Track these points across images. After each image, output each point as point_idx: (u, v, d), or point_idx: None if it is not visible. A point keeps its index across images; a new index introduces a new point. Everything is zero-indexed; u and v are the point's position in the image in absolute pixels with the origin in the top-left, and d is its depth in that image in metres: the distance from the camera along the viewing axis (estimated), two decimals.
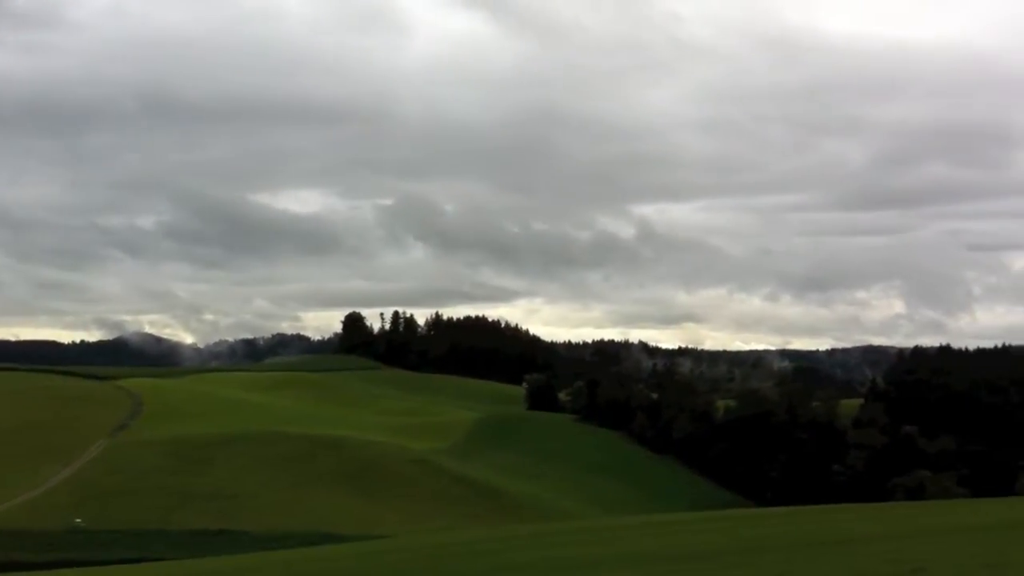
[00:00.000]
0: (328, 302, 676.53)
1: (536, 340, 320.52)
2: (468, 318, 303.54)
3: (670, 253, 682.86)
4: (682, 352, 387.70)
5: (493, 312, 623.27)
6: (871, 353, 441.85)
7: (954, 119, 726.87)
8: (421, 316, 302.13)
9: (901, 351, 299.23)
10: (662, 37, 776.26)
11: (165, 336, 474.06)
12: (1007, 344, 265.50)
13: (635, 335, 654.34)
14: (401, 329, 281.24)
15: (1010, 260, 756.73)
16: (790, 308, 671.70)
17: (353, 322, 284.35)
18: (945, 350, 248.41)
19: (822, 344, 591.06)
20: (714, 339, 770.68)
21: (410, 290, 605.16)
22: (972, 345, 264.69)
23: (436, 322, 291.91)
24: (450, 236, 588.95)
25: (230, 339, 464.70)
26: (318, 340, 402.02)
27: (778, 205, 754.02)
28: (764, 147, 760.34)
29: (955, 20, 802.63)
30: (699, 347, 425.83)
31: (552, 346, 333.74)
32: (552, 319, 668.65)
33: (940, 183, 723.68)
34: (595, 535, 44.43)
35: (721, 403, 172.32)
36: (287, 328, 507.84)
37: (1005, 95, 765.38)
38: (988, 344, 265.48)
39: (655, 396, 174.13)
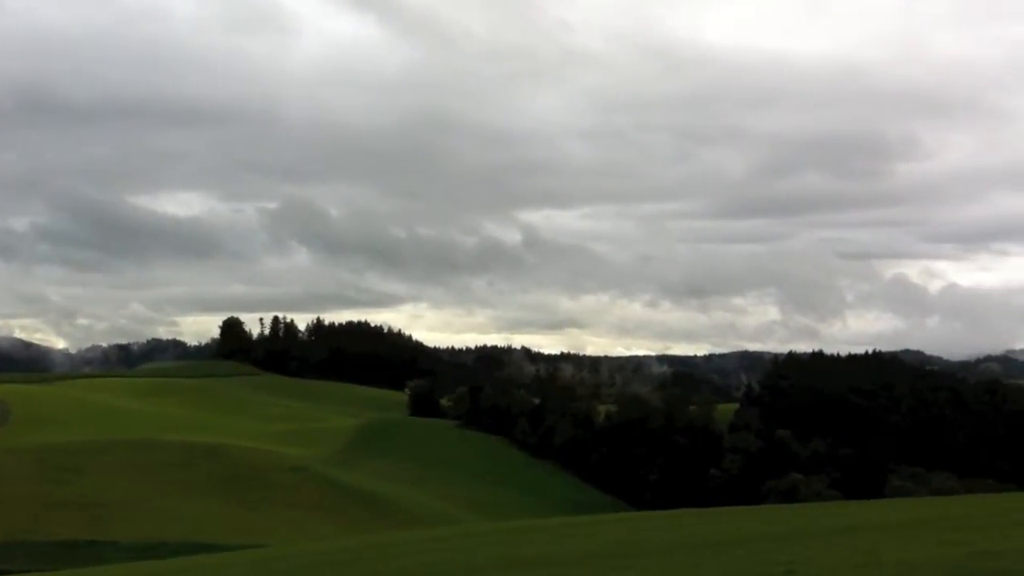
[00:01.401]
0: (207, 307, 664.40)
1: (419, 346, 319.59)
2: (350, 323, 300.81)
3: (554, 259, 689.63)
4: (564, 358, 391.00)
5: (377, 317, 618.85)
6: (747, 358, 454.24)
7: (829, 130, 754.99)
8: (303, 321, 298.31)
9: (776, 356, 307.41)
10: (551, 45, 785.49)
11: (35, 341, 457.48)
12: (877, 350, 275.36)
13: (518, 341, 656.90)
14: (281, 335, 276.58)
15: (880, 268, 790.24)
16: (670, 314, 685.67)
17: (231, 327, 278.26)
18: (818, 356, 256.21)
19: (700, 349, 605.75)
20: (596, 344, 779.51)
21: (292, 295, 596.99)
22: (844, 351, 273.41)
23: (317, 327, 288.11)
24: (335, 240, 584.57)
25: (104, 344, 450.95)
26: (195, 346, 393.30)
27: (660, 212, 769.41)
28: (647, 155, 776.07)
29: (833, 34, 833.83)
30: (581, 353, 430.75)
31: (435, 352, 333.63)
32: (436, 325, 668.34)
33: (815, 192, 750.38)
34: (476, 540, 44.05)
35: (602, 408, 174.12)
36: (163, 333, 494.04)
37: (878, 108, 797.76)
38: (859, 350, 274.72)
39: (537, 402, 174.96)
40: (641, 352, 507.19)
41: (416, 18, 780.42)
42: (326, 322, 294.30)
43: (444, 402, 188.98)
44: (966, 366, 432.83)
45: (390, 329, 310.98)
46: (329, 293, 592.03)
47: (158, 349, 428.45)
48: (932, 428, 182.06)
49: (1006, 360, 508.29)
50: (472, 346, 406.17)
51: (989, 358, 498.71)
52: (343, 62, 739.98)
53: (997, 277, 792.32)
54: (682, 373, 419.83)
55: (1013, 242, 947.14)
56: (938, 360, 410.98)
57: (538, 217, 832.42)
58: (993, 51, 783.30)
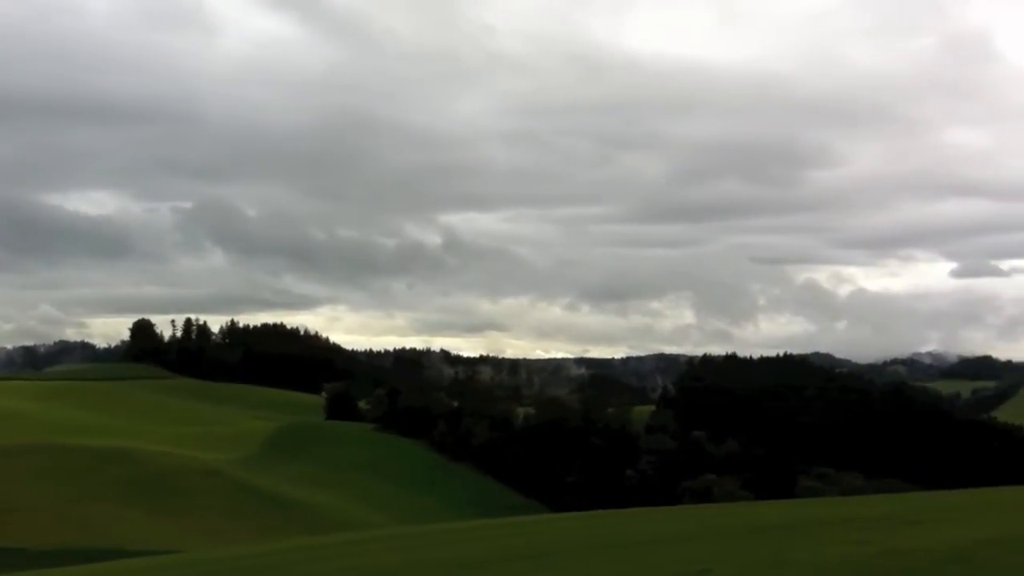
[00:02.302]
0: (118, 308, 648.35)
1: (336, 348, 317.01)
2: (265, 325, 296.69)
3: (475, 262, 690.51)
4: (483, 360, 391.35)
5: (294, 320, 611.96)
6: (663, 361, 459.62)
7: (745, 138, 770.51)
8: (217, 323, 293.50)
9: (691, 359, 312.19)
10: (473, 48, 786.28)
11: None
12: (788, 353, 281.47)
13: (438, 343, 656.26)
14: (194, 336, 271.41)
15: (792, 273, 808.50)
16: (589, 317, 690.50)
17: (142, 329, 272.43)
18: (731, 358, 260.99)
19: (618, 352, 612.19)
20: (515, 347, 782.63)
21: (206, 297, 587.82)
22: (756, 353, 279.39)
23: (231, 329, 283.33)
24: (252, 241, 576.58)
25: (8, 346, 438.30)
26: (104, 348, 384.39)
27: (580, 216, 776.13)
28: (568, 159, 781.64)
29: (749, 44, 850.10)
30: (500, 355, 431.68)
31: (353, 354, 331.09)
32: (355, 327, 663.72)
33: (730, 198, 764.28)
34: (392, 543, 43.71)
35: (520, 410, 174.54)
36: (72, 335, 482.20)
37: (792, 117, 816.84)
38: (771, 352, 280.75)
39: (455, 404, 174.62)
40: (560, 355, 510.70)
41: (339, 18, 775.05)
42: (240, 324, 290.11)
43: (361, 405, 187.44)
44: (873, 368, 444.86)
45: (307, 331, 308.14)
46: (245, 295, 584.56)
47: (66, 351, 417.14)
48: (841, 429, 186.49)
49: (912, 363, 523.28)
50: (391, 349, 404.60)
51: (896, 361, 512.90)
52: (264, 61, 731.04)
53: (904, 282, 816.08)
54: (600, 375, 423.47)
55: (919, 248, 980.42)
56: (847, 363, 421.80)
57: (459, 219, 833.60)
58: (902, 63, 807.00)
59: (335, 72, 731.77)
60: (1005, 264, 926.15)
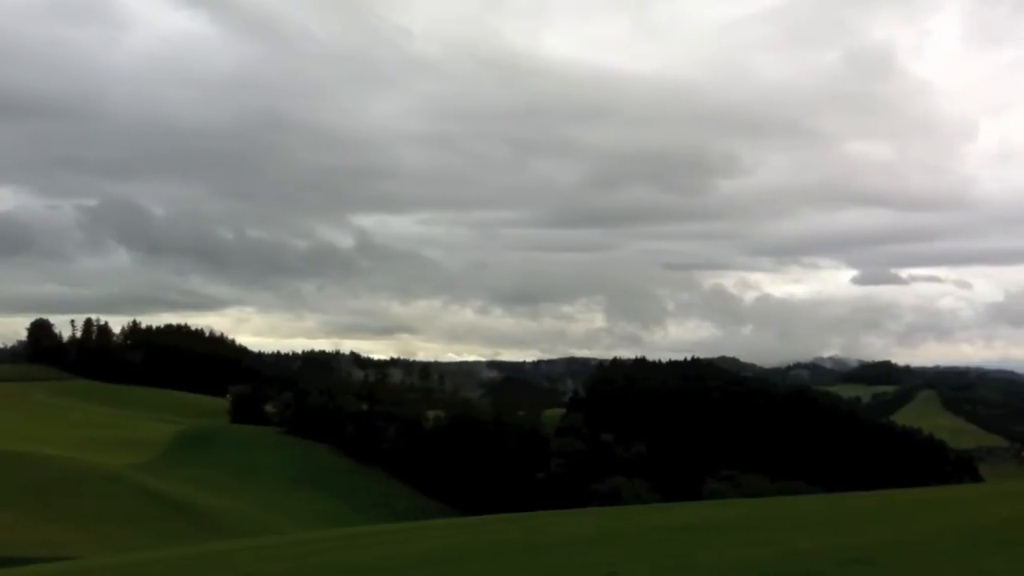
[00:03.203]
0: (16, 307, 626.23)
1: (243, 350, 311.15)
2: (169, 326, 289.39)
3: (387, 264, 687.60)
4: (394, 363, 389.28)
5: (200, 321, 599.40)
6: (574, 364, 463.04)
7: (656, 146, 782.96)
8: (119, 324, 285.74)
9: (601, 362, 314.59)
10: (390, 50, 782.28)
11: None
12: (695, 356, 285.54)
13: (348, 345, 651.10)
14: (94, 337, 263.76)
15: (700, 278, 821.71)
16: (501, 320, 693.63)
17: (40, 329, 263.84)
18: (640, 362, 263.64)
19: (529, 355, 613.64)
20: (427, 350, 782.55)
21: (110, 296, 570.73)
22: (664, 357, 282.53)
23: (134, 330, 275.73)
24: (158, 241, 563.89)
25: None
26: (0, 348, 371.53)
27: (493, 220, 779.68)
28: (482, 163, 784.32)
29: (662, 54, 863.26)
30: (412, 358, 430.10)
31: (260, 356, 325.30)
32: (263, 329, 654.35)
33: (641, 205, 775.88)
34: (296, 549, 43.04)
35: (431, 413, 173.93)
36: None
37: (704, 126, 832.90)
38: (679, 356, 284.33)
39: (365, 407, 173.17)
40: (471, 358, 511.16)
41: (252, 17, 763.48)
42: (143, 325, 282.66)
43: (268, 408, 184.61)
44: (777, 372, 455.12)
45: (212, 333, 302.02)
46: (149, 295, 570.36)
47: None
48: (746, 432, 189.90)
49: (814, 367, 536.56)
50: (299, 351, 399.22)
51: (799, 365, 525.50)
52: (174, 58, 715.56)
53: (807, 289, 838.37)
54: (511, 378, 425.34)
55: (822, 256, 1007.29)
56: (752, 367, 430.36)
57: (372, 221, 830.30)
58: (808, 76, 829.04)
59: (247, 71, 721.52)
60: (904, 272, 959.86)
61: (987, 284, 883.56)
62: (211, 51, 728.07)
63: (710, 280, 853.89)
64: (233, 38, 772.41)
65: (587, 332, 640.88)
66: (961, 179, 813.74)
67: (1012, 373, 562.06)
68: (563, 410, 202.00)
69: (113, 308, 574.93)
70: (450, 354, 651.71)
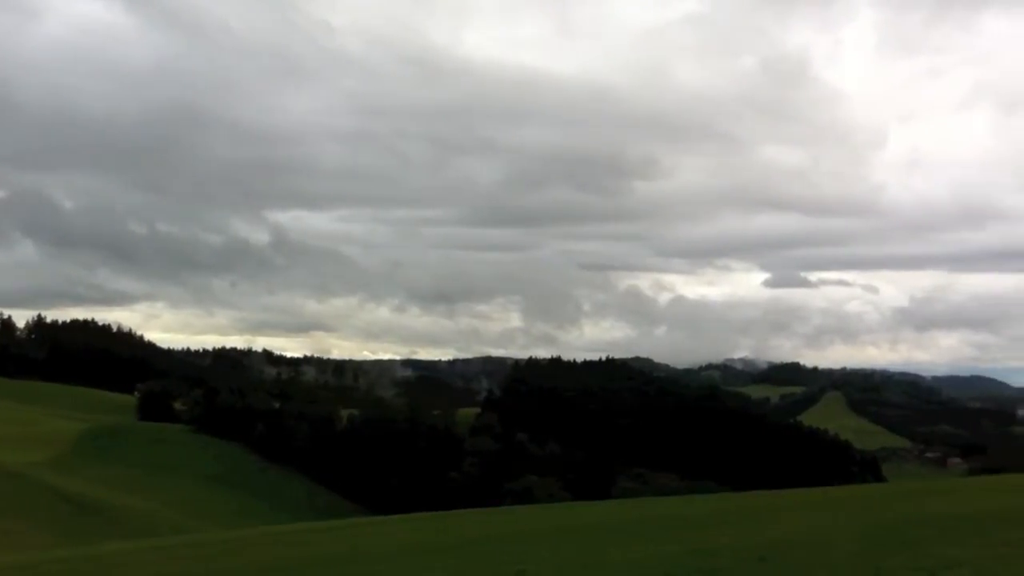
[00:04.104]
0: None
1: (152, 346, 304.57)
2: (76, 321, 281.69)
3: (303, 261, 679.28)
4: (307, 360, 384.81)
5: (108, 316, 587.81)
6: (490, 363, 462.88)
7: (576, 147, 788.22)
8: (23, 318, 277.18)
9: (517, 362, 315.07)
10: (311, 46, 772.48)
11: None
12: (610, 357, 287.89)
13: (261, 343, 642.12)
14: None
15: (617, 279, 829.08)
16: (418, 319, 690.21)
17: None
18: (555, 361, 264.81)
19: (445, 354, 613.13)
20: (342, 348, 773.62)
21: (14, 290, 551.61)
22: (580, 357, 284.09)
23: (38, 325, 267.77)
24: (66, 234, 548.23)
25: None
26: None
27: (413, 218, 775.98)
28: (403, 161, 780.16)
29: (585, 56, 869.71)
30: (326, 356, 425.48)
31: (169, 353, 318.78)
32: (173, 325, 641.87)
33: (560, 206, 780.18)
34: (209, 549, 42.38)
35: (345, 412, 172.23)
36: None
37: (623, 129, 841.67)
38: (593, 356, 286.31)
39: (277, 405, 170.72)
40: (387, 356, 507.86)
41: (169, 8, 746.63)
42: (48, 319, 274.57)
43: (177, 405, 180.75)
44: (689, 373, 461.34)
45: (120, 328, 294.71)
46: (55, 289, 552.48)
47: None
48: (657, 431, 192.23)
49: (725, 368, 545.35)
50: (210, 348, 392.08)
51: (710, 366, 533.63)
52: (87, 48, 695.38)
53: (720, 291, 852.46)
54: (427, 377, 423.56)
55: (735, 258, 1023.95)
56: (665, 367, 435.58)
57: (288, 218, 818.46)
58: (725, 82, 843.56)
59: (164, 63, 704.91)
60: (814, 276, 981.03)
61: (893, 289, 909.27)
62: (126, 42, 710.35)
63: (626, 281, 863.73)
64: (149, 29, 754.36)
65: (503, 331, 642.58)
66: (870, 186, 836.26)
67: (916, 376, 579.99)
68: (478, 409, 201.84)
69: (18, 302, 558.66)
70: (365, 352, 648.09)
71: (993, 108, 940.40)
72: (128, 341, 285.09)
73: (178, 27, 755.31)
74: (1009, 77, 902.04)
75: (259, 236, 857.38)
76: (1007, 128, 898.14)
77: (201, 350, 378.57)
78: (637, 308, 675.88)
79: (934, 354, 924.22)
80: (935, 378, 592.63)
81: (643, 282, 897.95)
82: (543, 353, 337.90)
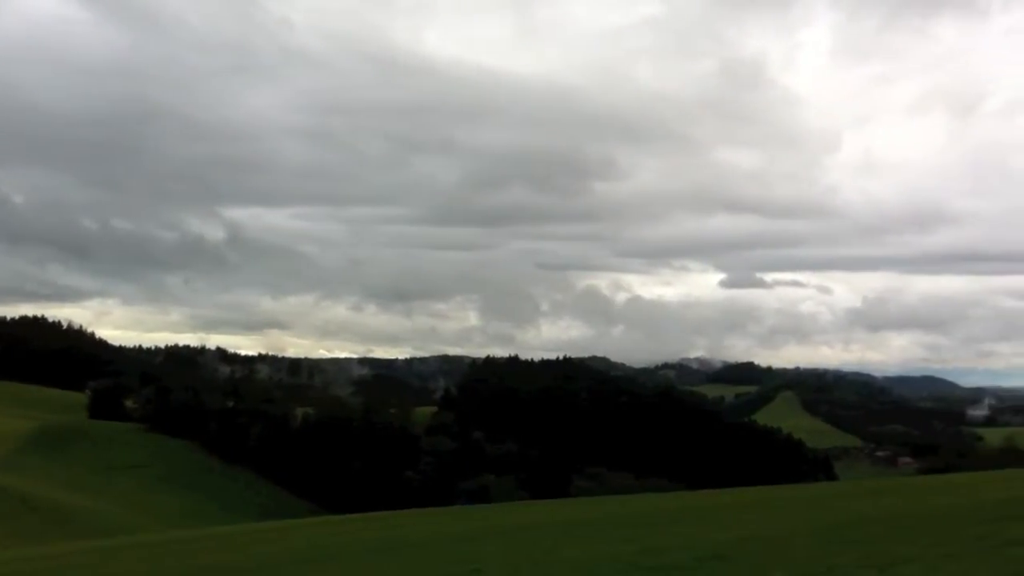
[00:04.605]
0: None
1: (103, 343, 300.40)
2: (24, 318, 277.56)
3: (259, 258, 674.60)
4: (262, 359, 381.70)
5: (59, 313, 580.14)
6: (447, 362, 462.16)
7: (535, 147, 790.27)
8: None
9: (474, 361, 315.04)
10: (270, 42, 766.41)
11: None
12: (567, 356, 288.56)
13: (215, 341, 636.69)
14: None
15: (575, 279, 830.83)
16: (374, 317, 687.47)
17: None
18: (513, 360, 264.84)
19: (402, 353, 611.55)
20: (297, 346, 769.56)
21: None
22: (537, 356, 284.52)
23: None
24: (16, 229, 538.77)
25: None
26: None
27: (370, 217, 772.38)
28: (361, 159, 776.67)
29: (546, 56, 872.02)
30: (281, 354, 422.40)
31: (121, 350, 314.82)
32: (126, 322, 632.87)
33: (519, 205, 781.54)
34: (161, 549, 41.93)
35: (300, 411, 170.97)
36: None
37: (582, 129, 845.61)
38: (551, 355, 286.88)
39: (230, 403, 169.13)
40: (343, 355, 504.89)
41: (125, 2, 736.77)
42: None
43: (129, 404, 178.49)
44: (646, 372, 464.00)
45: (71, 325, 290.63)
46: (5, 285, 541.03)
47: None
48: (614, 430, 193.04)
49: (681, 367, 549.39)
50: (163, 345, 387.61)
51: (666, 365, 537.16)
52: (41, 41, 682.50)
53: (676, 291, 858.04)
54: (383, 376, 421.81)
55: (692, 259, 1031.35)
56: (621, 367, 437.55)
57: (245, 215, 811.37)
58: (683, 84, 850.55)
59: (119, 57, 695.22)
60: (769, 277, 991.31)
61: (846, 290, 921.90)
62: (81, 35, 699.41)
63: (584, 281, 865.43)
64: (105, 23, 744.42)
65: (461, 330, 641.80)
66: (824, 188, 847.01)
67: (868, 376, 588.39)
68: (435, 408, 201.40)
69: None
70: (321, 351, 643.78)
71: (945, 113, 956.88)
72: (79, 338, 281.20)
73: (135, 21, 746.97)
74: (960, 83, 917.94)
75: (215, 233, 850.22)
76: (958, 133, 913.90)
77: (154, 348, 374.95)
78: (594, 308, 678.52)
79: (886, 354, 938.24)
80: (886, 378, 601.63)
81: (601, 282, 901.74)
82: (500, 352, 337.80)
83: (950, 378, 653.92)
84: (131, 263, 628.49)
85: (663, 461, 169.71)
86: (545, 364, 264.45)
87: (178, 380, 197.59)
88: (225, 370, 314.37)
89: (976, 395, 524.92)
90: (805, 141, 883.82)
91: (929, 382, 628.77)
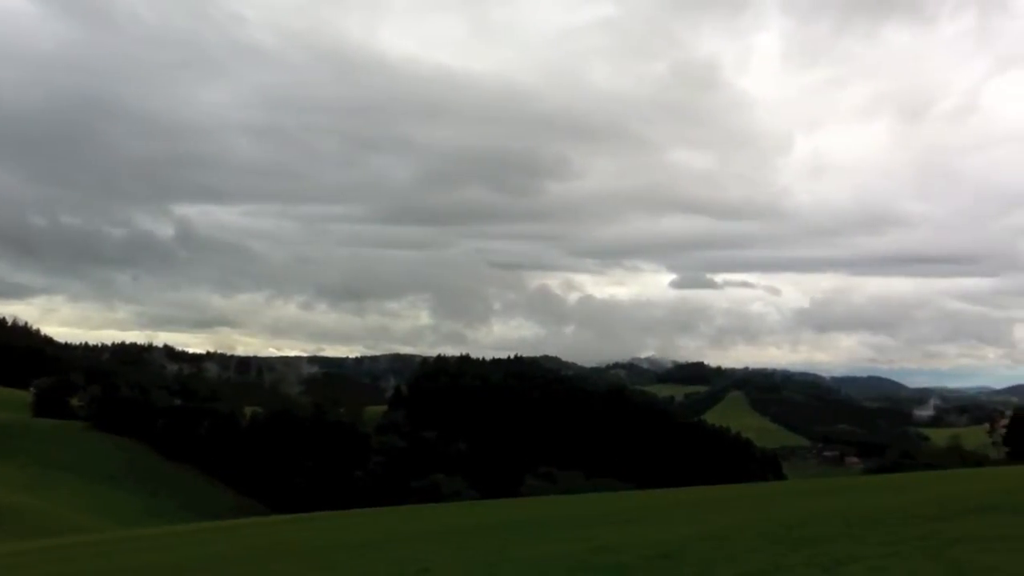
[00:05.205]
0: None
1: (49, 341, 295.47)
2: None
3: (209, 255, 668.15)
4: (210, 357, 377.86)
5: (5, 310, 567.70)
6: (398, 361, 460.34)
7: (489, 147, 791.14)
8: None
9: (425, 360, 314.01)
10: (222, 38, 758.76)
11: None
12: (519, 355, 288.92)
13: (163, 338, 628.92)
14: None
15: (527, 278, 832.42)
16: (326, 316, 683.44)
17: None
18: (464, 359, 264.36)
19: (353, 352, 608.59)
20: (247, 344, 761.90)
21: None
22: (489, 355, 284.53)
23: None
24: None
25: None
26: None
27: (322, 215, 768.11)
28: (314, 157, 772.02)
29: (500, 56, 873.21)
30: (231, 352, 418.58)
31: (68, 348, 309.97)
32: (73, 319, 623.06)
33: (473, 204, 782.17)
34: (107, 548, 41.31)
35: (248, 409, 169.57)
36: None
37: (536, 129, 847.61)
38: (503, 354, 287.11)
39: (178, 402, 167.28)
40: (293, 353, 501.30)
41: None
42: None
43: (75, 402, 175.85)
44: (597, 372, 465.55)
45: (15, 321, 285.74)
46: None
47: None
48: (565, 430, 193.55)
49: (632, 367, 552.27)
50: (110, 343, 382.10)
51: (617, 365, 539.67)
52: None
53: (628, 291, 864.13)
54: (333, 375, 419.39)
55: (644, 259, 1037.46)
56: (572, 366, 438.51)
57: (195, 212, 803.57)
58: (637, 85, 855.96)
59: (69, 52, 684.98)
60: (719, 277, 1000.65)
61: (795, 291, 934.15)
62: (30, 29, 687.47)
63: (536, 280, 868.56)
64: (55, 16, 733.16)
65: (412, 329, 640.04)
66: (775, 190, 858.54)
67: (815, 376, 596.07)
68: (385, 407, 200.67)
69: None
70: (271, 349, 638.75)
71: (893, 117, 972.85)
72: (25, 335, 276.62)
73: (85, 15, 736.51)
74: (909, 87, 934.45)
75: (164, 230, 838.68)
76: (906, 136, 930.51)
77: (100, 345, 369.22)
78: (547, 307, 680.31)
79: (833, 355, 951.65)
80: (834, 378, 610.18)
81: (553, 281, 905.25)
82: (452, 351, 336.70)
83: (896, 379, 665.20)
84: (79, 260, 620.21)
85: (614, 460, 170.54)
86: (497, 363, 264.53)
87: (125, 378, 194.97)
88: (173, 368, 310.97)
89: (922, 395, 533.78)
90: (757, 143, 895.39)
91: (876, 382, 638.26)
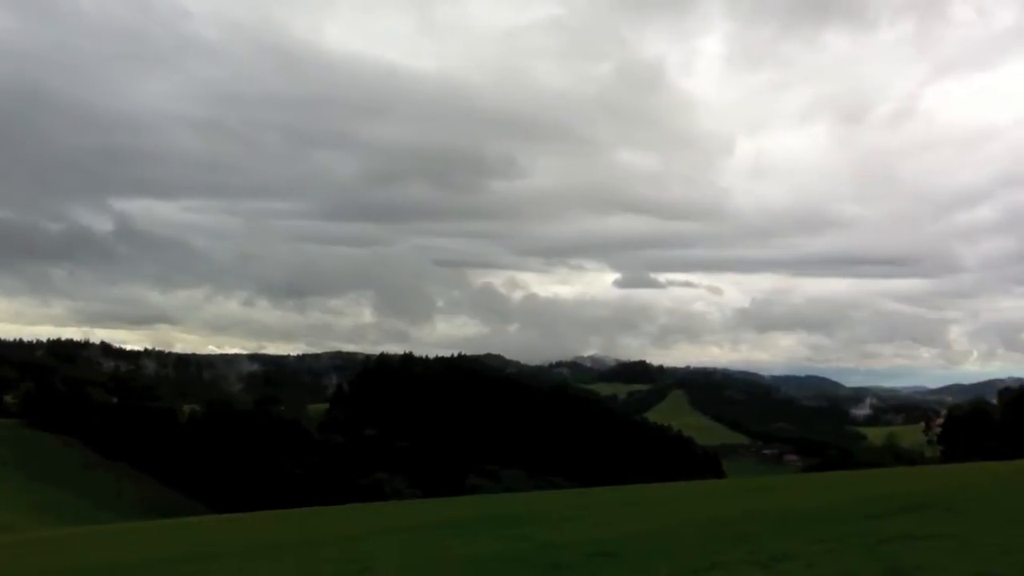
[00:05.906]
0: None
1: None
2: None
3: (148, 251, 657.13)
4: (148, 354, 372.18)
5: None
6: (340, 359, 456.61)
7: (434, 144, 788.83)
8: None
9: (368, 357, 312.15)
10: (165, 31, 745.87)
11: None
12: (462, 353, 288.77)
13: (100, 335, 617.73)
14: None
15: (471, 276, 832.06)
16: (267, 313, 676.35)
17: None
18: (407, 357, 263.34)
19: (295, 349, 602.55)
20: (186, 342, 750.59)
21: None
22: (432, 353, 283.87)
23: None
24: None
25: None
26: None
27: (264, 210, 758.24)
28: (256, 152, 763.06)
29: (442, 54, 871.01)
30: (169, 349, 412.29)
31: (0, 343, 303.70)
32: (6, 314, 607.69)
33: (417, 201, 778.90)
34: (35, 548, 40.53)
35: (187, 407, 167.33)
36: None
37: (481, 127, 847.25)
38: (446, 353, 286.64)
39: (114, 399, 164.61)
40: (233, 350, 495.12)
41: None
42: None
43: (8, 399, 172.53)
44: (540, 370, 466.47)
45: None
46: None
47: None
48: (508, 428, 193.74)
49: (575, 365, 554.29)
50: (45, 339, 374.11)
51: (560, 363, 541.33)
52: None
53: (572, 290, 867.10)
54: (274, 372, 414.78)
55: (588, 258, 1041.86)
56: (516, 364, 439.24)
57: (135, 206, 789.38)
58: (583, 85, 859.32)
59: (5, 40, 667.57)
60: (662, 277, 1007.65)
61: (736, 291, 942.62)
62: None
63: (480, 278, 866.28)
64: None
65: (355, 327, 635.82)
66: (718, 191, 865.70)
67: (755, 375, 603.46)
68: (327, 405, 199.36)
69: None
70: (211, 347, 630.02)
71: (832, 120, 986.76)
72: None
73: (23, 4, 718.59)
74: (848, 91, 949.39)
75: (103, 225, 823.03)
76: (845, 140, 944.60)
77: (35, 341, 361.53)
78: (490, 305, 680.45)
79: (773, 354, 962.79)
80: (773, 377, 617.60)
81: (497, 280, 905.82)
82: (395, 349, 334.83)
83: (834, 378, 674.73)
84: (13, 254, 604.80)
85: (556, 458, 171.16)
86: (440, 361, 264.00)
87: (60, 375, 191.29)
88: (110, 365, 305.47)
89: (859, 395, 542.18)
90: (700, 144, 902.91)
91: (814, 381, 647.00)
